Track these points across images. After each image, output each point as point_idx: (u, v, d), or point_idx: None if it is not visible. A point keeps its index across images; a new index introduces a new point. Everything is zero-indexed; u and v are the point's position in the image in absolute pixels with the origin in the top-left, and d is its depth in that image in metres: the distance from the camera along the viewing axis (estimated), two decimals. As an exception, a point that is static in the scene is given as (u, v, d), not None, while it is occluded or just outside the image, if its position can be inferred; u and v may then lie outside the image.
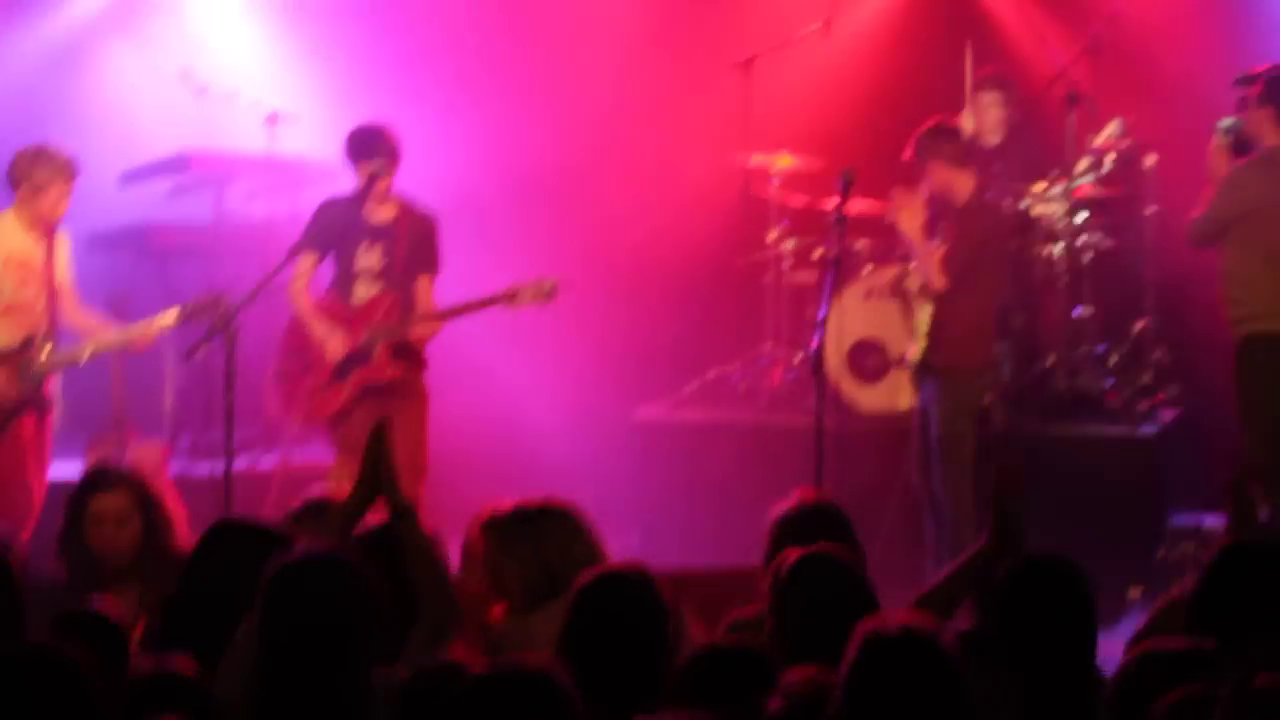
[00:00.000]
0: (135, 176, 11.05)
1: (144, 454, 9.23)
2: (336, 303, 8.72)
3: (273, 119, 10.70)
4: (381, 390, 8.59)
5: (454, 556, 5.67)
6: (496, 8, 11.67)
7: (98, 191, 10.97)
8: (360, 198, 8.60)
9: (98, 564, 6.06)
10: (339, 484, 8.27)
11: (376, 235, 8.66)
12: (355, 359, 8.61)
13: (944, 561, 7.78)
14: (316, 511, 5.71)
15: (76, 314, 8.71)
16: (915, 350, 9.00)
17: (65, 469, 8.77)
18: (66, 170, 8.52)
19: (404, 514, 5.20)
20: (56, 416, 8.71)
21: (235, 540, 5.26)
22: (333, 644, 4.47)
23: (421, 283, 8.68)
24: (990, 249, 8.97)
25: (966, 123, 10.17)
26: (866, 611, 4.60)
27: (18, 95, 11.27)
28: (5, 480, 8.44)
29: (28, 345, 8.49)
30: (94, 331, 8.66)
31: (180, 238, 10.94)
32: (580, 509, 5.61)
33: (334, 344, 8.60)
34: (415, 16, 11.62)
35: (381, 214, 8.68)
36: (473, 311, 8.58)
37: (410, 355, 8.68)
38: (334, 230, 8.63)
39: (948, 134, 9.03)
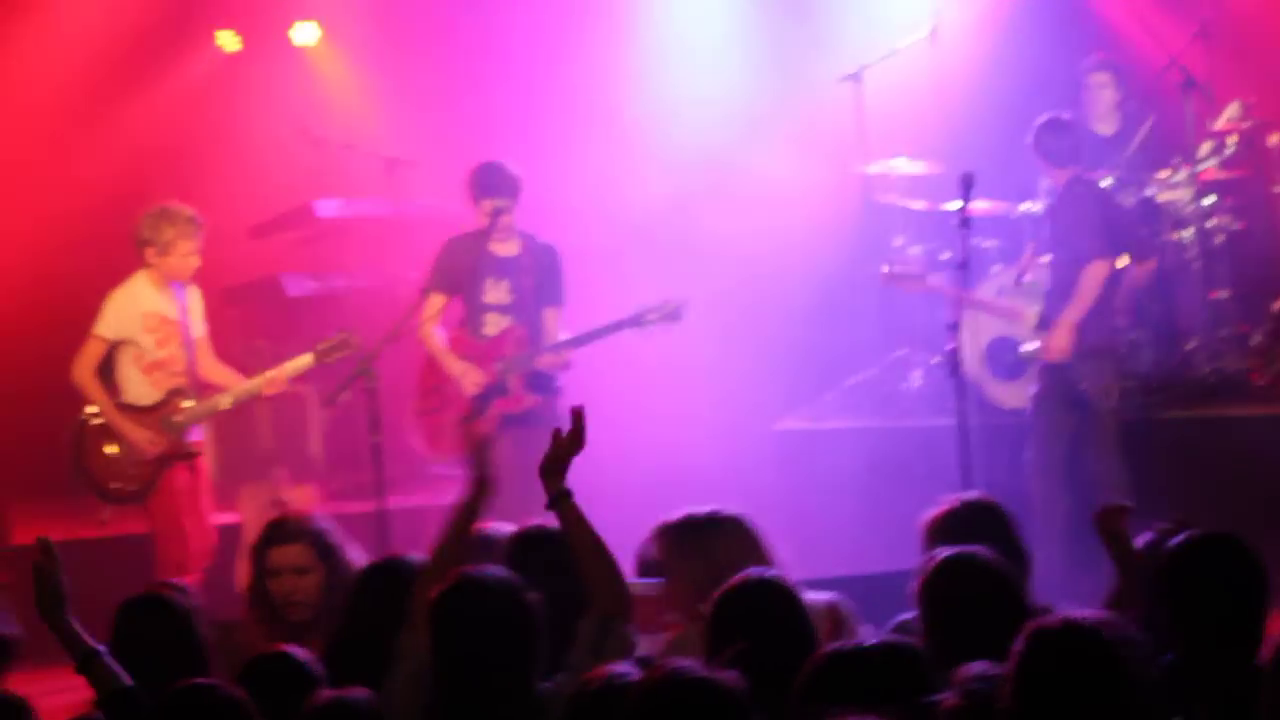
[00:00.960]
0: (264, 229, 11.18)
1: (297, 495, 9.34)
2: (467, 338, 8.81)
3: (391, 166, 10.80)
4: (521, 419, 8.65)
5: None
6: (598, 43, 11.72)
7: (229, 245, 11.16)
8: (485, 234, 8.68)
9: (282, 614, 6.05)
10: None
11: (503, 270, 8.76)
12: (492, 392, 8.68)
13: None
14: (485, 544, 5.70)
15: (214, 368, 8.86)
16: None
17: (222, 517, 8.86)
18: (190, 228, 8.67)
19: (561, 498, 5.16)
20: (209, 465, 8.80)
21: (391, 577, 5.29)
22: (499, 662, 4.58)
23: (549, 314, 8.78)
24: (1077, 233, 8.84)
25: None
26: (1013, 610, 4.61)
27: (148, 153, 11.46)
28: (165, 531, 8.60)
29: (170, 400, 8.62)
30: (230, 382, 8.74)
31: (311, 286, 11.04)
32: (749, 518, 5.57)
33: (470, 379, 8.66)
34: (523, 61, 11.71)
35: (506, 249, 8.78)
36: (602, 337, 8.67)
37: (545, 383, 8.76)
38: (460, 268, 8.73)
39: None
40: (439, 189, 10.91)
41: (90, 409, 8.61)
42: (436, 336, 8.81)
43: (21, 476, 9.30)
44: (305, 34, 12.02)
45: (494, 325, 8.77)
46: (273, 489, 9.37)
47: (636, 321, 8.56)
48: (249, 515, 9.34)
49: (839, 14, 11.45)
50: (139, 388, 8.61)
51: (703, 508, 5.60)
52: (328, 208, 11.07)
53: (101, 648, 5.04)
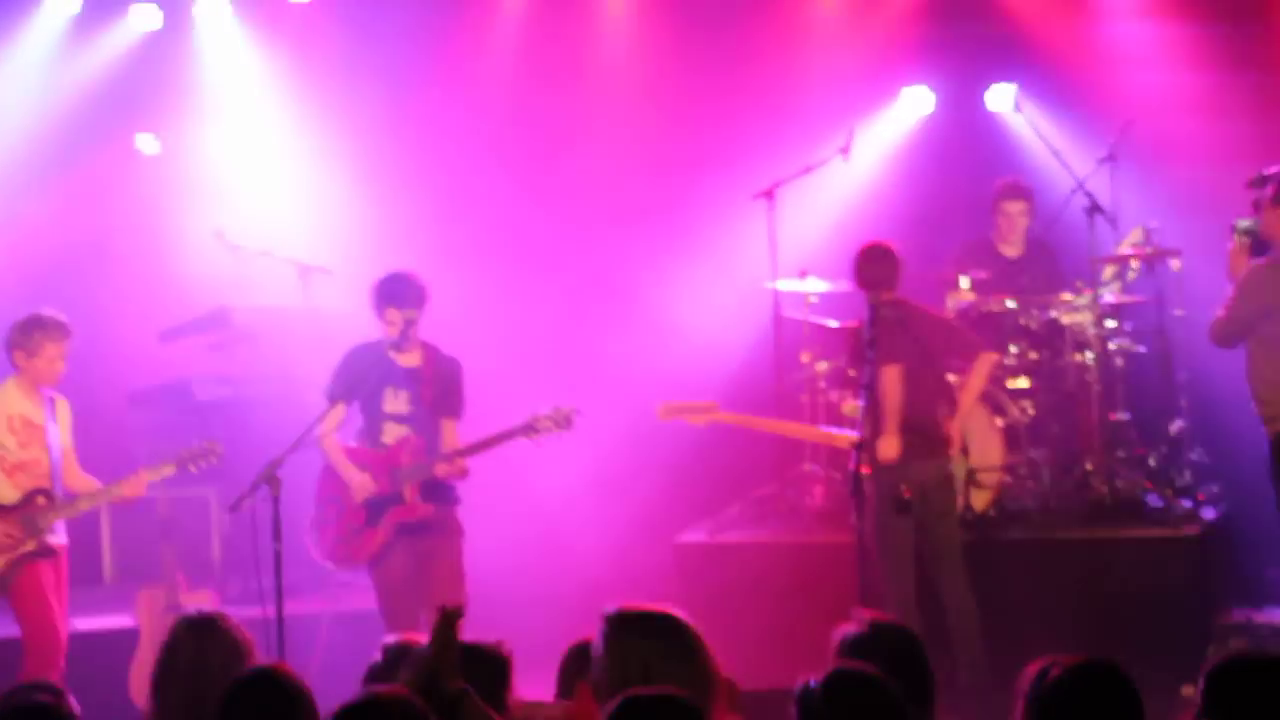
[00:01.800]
0: (174, 334, 11.16)
1: (194, 601, 9.28)
2: (365, 447, 8.82)
3: (305, 272, 10.82)
4: (416, 528, 8.69)
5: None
6: (505, 159, 11.85)
7: (139, 349, 11.16)
8: (388, 343, 8.71)
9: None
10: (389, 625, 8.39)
11: (404, 380, 8.79)
12: (387, 500, 8.71)
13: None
14: (401, 655, 5.67)
15: (78, 477, 8.94)
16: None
17: (117, 620, 8.81)
18: (57, 334, 8.78)
19: (461, 698, 5.13)
20: (106, 568, 8.82)
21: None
22: None
23: (447, 425, 8.80)
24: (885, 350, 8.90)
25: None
26: None
27: (61, 252, 11.45)
28: (34, 624, 8.65)
29: (30, 500, 8.71)
30: (92, 489, 8.84)
31: (220, 391, 11.01)
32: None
33: (361, 486, 8.68)
34: (433, 174, 11.79)
35: (408, 359, 8.80)
36: (495, 445, 8.64)
37: (441, 493, 8.77)
38: (361, 377, 8.73)
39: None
40: (353, 297, 10.95)
41: None
42: (335, 445, 8.82)
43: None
44: (223, 138, 12.07)
45: (391, 434, 8.78)
46: (170, 593, 9.30)
47: (529, 429, 8.56)
48: (145, 620, 9.27)
49: (754, 131, 11.59)
50: (2, 488, 8.69)
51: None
52: (240, 313, 11.05)
53: None
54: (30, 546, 8.64)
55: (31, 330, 8.75)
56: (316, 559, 9.02)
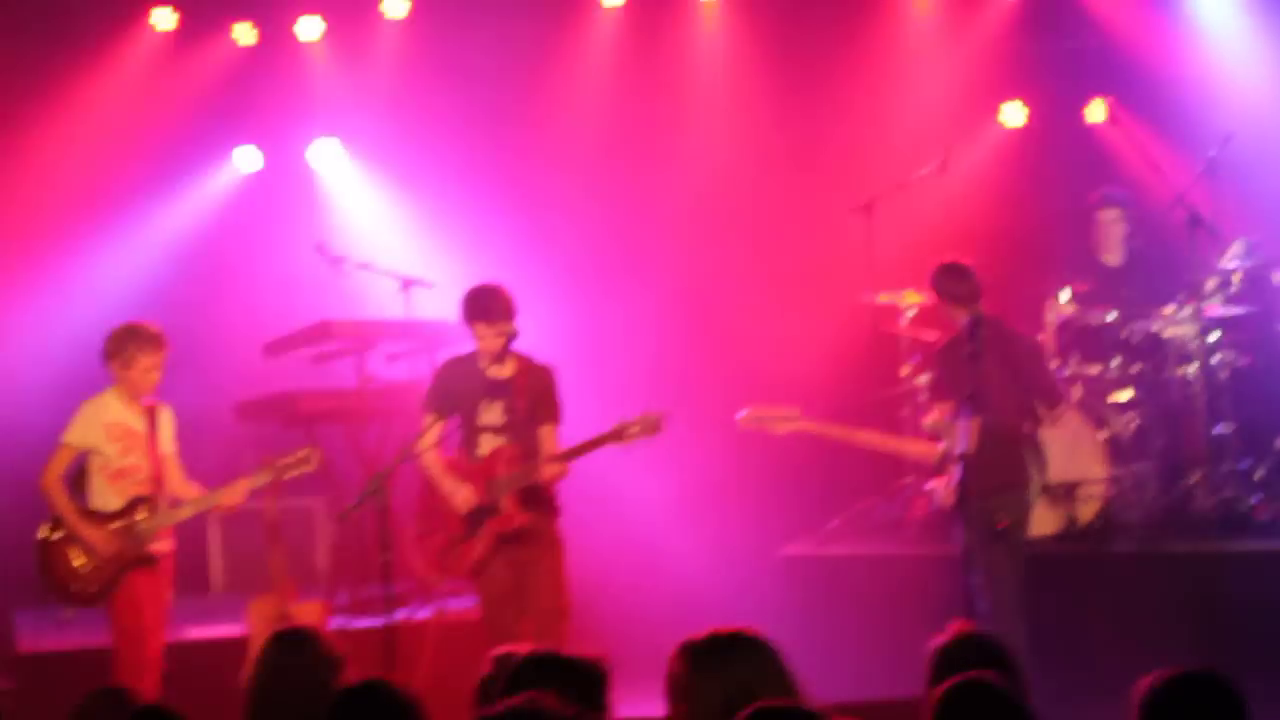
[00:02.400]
0: (279, 347, 11.24)
1: (304, 611, 9.34)
2: (463, 459, 8.80)
3: (407, 285, 10.88)
4: (515, 539, 8.66)
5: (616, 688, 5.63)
6: (602, 172, 11.88)
7: (246, 362, 11.25)
8: (480, 356, 8.70)
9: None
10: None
11: (497, 391, 8.75)
12: (484, 512, 8.68)
13: None
14: (506, 665, 5.69)
15: (180, 483, 8.97)
16: None
17: (227, 629, 8.88)
18: (150, 345, 8.84)
19: None
20: (214, 578, 8.89)
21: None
22: None
23: (545, 431, 8.73)
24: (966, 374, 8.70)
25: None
26: None
27: (170, 266, 11.56)
28: (126, 636, 8.70)
29: (133, 506, 8.78)
30: (194, 496, 8.90)
31: (325, 403, 11.08)
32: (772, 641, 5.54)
33: (460, 498, 8.67)
34: (530, 186, 11.84)
35: (501, 371, 8.76)
36: (586, 452, 8.58)
37: (540, 502, 8.72)
38: (455, 390, 8.73)
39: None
40: (454, 308, 11.00)
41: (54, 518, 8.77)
42: (434, 458, 8.80)
43: (28, 584, 9.31)
44: (323, 153, 12.18)
45: (486, 446, 8.74)
46: (280, 602, 9.36)
47: (618, 435, 8.50)
48: (256, 629, 9.33)
49: (852, 145, 11.59)
50: (103, 495, 8.79)
51: (725, 628, 5.56)
52: (344, 326, 11.12)
53: None
54: (127, 554, 8.73)
55: (125, 342, 8.82)
56: (420, 571, 9.03)
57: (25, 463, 9.10)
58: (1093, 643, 9.01)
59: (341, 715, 5.06)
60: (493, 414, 8.75)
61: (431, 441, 8.73)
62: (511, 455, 8.69)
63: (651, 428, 8.50)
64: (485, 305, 8.64)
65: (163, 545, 8.87)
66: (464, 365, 8.76)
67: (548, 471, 8.59)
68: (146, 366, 8.85)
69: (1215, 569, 9.57)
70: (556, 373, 8.84)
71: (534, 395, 8.74)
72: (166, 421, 9.03)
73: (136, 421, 8.90)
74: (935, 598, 8.97)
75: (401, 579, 9.18)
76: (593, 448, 8.57)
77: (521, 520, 8.65)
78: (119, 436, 8.84)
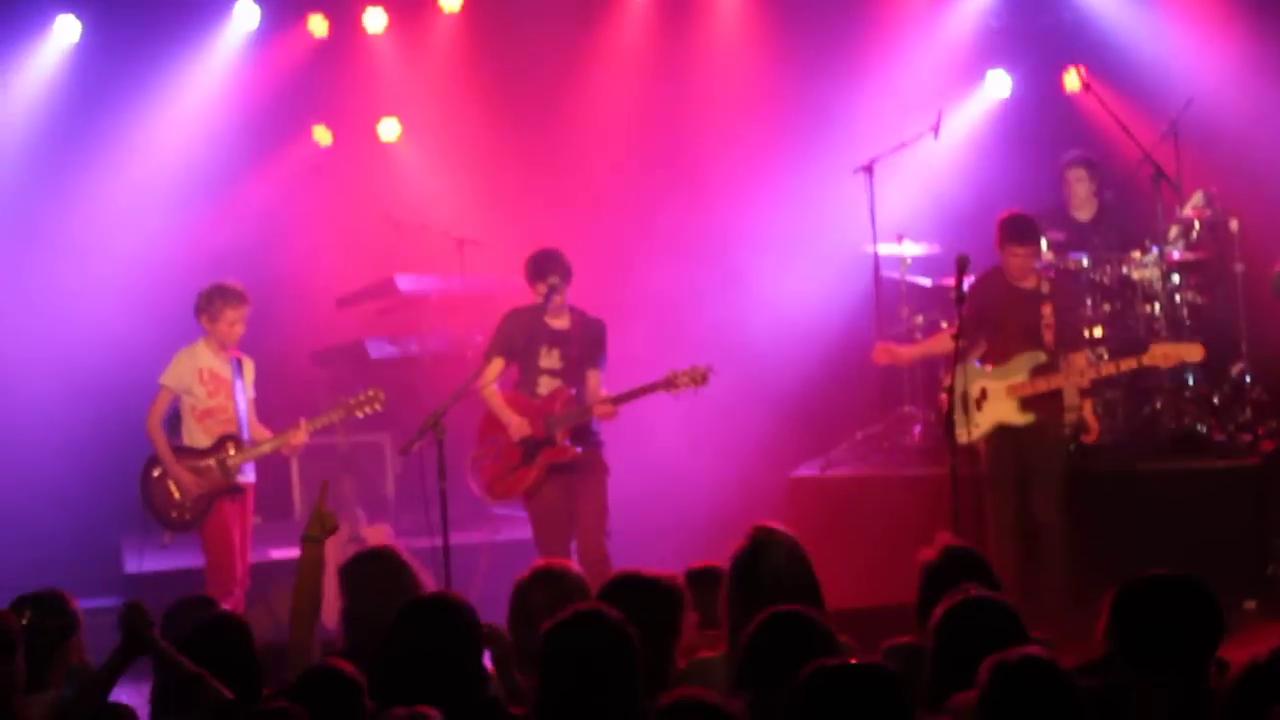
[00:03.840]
0: (350, 300, 11.26)
1: (373, 533, 9.40)
2: (522, 397, 8.84)
3: (460, 245, 10.88)
4: (566, 467, 8.72)
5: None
6: (631, 142, 11.84)
7: (320, 314, 11.27)
8: (541, 308, 8.75)
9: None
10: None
11: (555, 340, 8.83)
12: (541, 443, 8.74)
13: None
14: (546, 576, 5.68)
15: (256, 428, 9.06)
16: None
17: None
18: (235, 300, 8.91)
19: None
20: (296, 507, 8.96)
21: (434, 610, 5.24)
22: (606, 686, 4.47)
23: (592, 375, 8.83)
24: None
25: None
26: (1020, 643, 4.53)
27: (255, 227, 11.59)
28: (215, 556, 8.83)
29: (222, 444, 8.87)
30: (264, 437, 8.97)
31: (391, 350, 11.10)
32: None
33: (518, 428, 8.72)
34: (568, 157, 11.79)
35: (559, 322, 8.85)
36: (638, 397, 8.65)
37: (588, 436, 8.80)
38: (519, 337, 8.81)
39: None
40: (502, 265, 11.01)
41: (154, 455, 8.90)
42: (495, 394, 8.87)
43: (133, 513, 9.38)
44: (388, 130, 12.17)
45: (545, 386, 8.83)
46: (352, 526, 9.41)
47: (669, 383, 8.55)
48: (330, 550, 9.34)
49: (854, 111, 11.51)
50: (195, 433, 8.90)
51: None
52: (406, 281, 11.13)
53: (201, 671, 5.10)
54: (216, 485, 8.79)
55: (214, 298, 8.90)
56: (476, 493, 9.07)
57: (132, 406, 9.16)
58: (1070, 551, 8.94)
59: (410, 620, 5.05)
60: (551, 359, 8.83)
61: (493, 379, 8.80)
62: (567, 396, 8.76)
63: (700, 379, 8.54)
64: (550, 265, 8.75)
65: (246, 477, 8.93)
66: (527, 315, 8.82)
67: (600, 411, 8.67)
68: (232, 319, 8.89)
69: (1178, 485, 9.50)
70: (606, 325, 8.92)
71: (586, 344, 8.83)
72: (250, 371, 9.08)
73: (224, 369, 8.95)
74: (928, 514, 8.94)
75: (458, 504, 9.18)
76: (644, 393, 8.64)
77: (573, 453, 8.73)
78: (208, 380, 8.91)
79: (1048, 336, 9.00)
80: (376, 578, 5.62)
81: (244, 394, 8.96)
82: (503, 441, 8.83)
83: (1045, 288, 9.09)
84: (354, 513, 9.42)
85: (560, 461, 8.75)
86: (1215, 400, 9.97)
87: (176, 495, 8.84)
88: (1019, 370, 8.96)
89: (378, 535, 9.40)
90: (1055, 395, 8.96)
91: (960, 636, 4.67)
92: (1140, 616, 4.60)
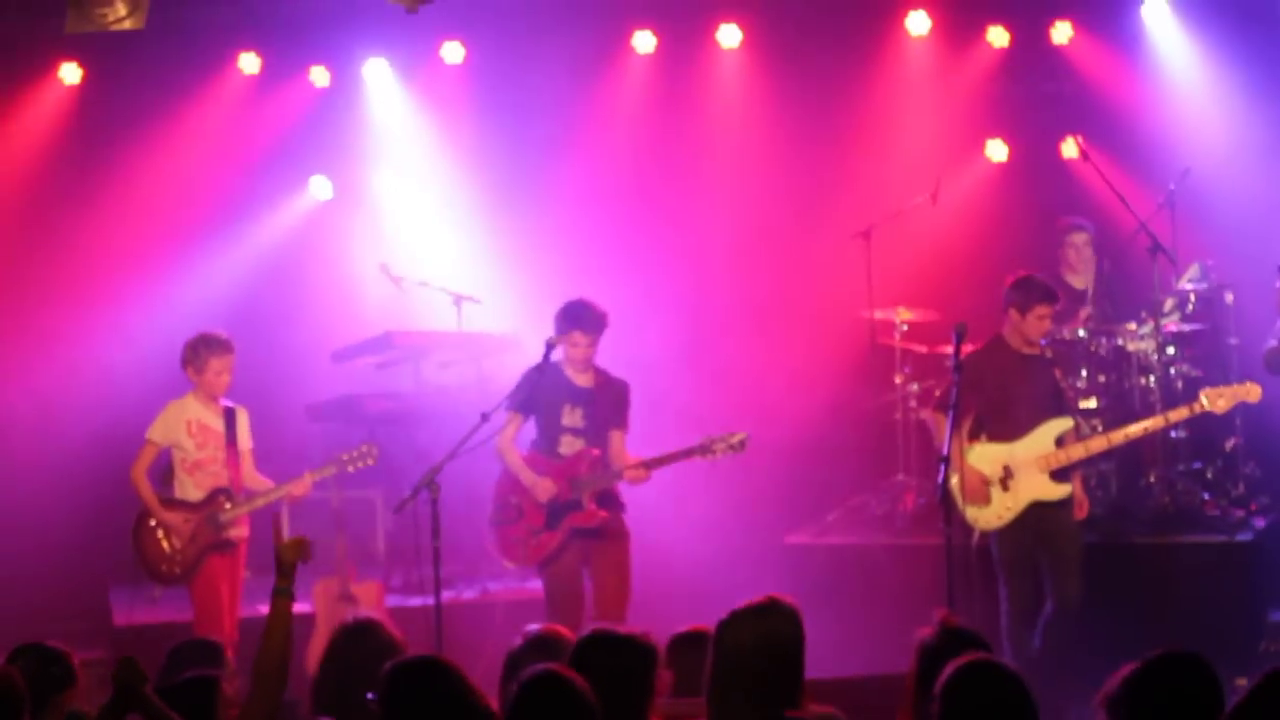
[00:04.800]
0: (345, 354, 11.27)
1: (364, 590, 9.38)
2: (542, 456, 8.66)
3: (459, 300, 10.90)
4: (592, 533, 8.54)
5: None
6: (631, 201, 11.88)
7: (315, 368, 11.27)
8: (563, 364, 8.57)
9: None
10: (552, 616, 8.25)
11: (578, 398, 8.63)
12: (566, 507, 8.54)
13: None
14: (541, 644, 5.68)
15: (253, 478, 9.02)
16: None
17: (296, 607, 8.86)
18: (219, 349, 8.89)
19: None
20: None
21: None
22: None
23: (615, 436, 8.63)
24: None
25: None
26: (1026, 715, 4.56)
27: (252, 283, 11.61)
28: (202, 610, 8.80)
29: (213, 499, 8.85)
30: (265, 487, 8.95)
31: (385, 405, 11.10)
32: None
33: (545, 490, 8.54)
34: (569, 214, 11.82)
35: (583, 380, 8.65)
36: (671, 462, 8.47)
37: (613, 500, 8.62)
38: (540, 393, 8.58)
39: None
40: (500, 322, 11.04)
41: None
42: (514, 451, 8.65)
43: (123, 565, 9.38)
44: (387, 183, 12.20)
45: (568, 446, 8.61)
46: (342, 583, 9.39)
47: (704, 450, 8.38)
48: (320, 607, 9.36)
49: (853, 177, 11.57)
50: (186, 486, 8.90)
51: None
52: (402, 336, 11.15)
53: None
54: (207, 539, 8.78)
55: (198, 348, 8.87)
56: (495, 556, 8.93)
57: (125, 456, 9.14)
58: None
59: (396, 686, 4.99)
60: (574, 417, 8.62)
61: (511, 435, 8.61)
62: (593, 458, 8.56)
63: (739, 447, 8.37)
64: (584, 316, 8.51)
65: (238, 531, 8.91)
66: (549, 372, 8.55)
67: (631, 476, 8.47)
68: (217, 369, 8.88)
69: (1170, 559, 9.51)
70: (630, 386, 8.75)
71: (611, 404, 8.64)
72: (243, 421, 9.05)
73: (214, 420, 8.94)
74: (920, 584, 8.95)
75: (450, 562, 9.18)
76: (678, 459, 8.45)
77: (601, 517, 8.52)
78: (196, 432, 8.90)
79: (1066, 401, 8.77)
80: (363, 654, 5.55)
81: (238, 445, 8.96)
82: (524, 503, 8.62)
83: (1049, 353, 8.87)
84: (345, 570, 9.38)
85: (587, 527, 8.53)
86: (1209, 475, 10.00)
87: (167, 548, 8.83)
88: (1044, 440, 8.62)
89: (368, 593, 9.37)
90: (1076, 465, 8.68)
91: (968, 700, 4.65)
92: (1146, 695, 4.61)
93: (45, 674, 5.68)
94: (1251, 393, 8.69)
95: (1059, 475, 8.61)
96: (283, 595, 5.60)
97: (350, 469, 8.99)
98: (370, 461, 8.96)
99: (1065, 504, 8.63)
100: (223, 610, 8.76)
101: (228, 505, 8.82)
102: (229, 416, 8.98)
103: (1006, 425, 8.67)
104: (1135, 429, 8.79)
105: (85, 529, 10.58)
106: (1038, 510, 8.59)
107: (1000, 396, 8.68)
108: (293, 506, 10.97)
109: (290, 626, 5.57)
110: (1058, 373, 8.79)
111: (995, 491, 8.62)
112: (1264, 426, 10.18)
